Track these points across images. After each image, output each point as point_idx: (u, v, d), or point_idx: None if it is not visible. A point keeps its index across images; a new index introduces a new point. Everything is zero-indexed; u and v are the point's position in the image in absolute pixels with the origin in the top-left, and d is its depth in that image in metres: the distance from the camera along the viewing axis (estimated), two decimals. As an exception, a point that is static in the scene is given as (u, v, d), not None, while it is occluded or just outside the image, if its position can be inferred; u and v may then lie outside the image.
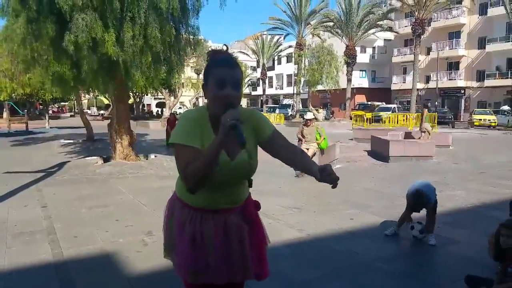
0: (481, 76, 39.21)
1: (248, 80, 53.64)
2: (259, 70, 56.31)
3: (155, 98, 57.19)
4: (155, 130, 25.36)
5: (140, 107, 49.29)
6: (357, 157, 11.96)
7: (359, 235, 4.82)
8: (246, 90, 51.73)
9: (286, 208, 5.89)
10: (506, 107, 32.36)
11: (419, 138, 14.27)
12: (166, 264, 3.78)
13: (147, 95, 44.15)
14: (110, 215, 5.66)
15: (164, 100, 46.72)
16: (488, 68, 38.34)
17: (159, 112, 52.24)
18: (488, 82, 37.98)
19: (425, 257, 4.28)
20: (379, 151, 11.97)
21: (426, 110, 15.38)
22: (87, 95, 36.10)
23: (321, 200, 6.60)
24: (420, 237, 4.52)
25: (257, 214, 1.98)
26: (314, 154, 8.81)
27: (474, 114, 31.29)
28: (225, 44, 1.93)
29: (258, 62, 56.12)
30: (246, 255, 1.85)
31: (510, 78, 32.51)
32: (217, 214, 1.82)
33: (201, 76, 22.59)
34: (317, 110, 37.08)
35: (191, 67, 42.98)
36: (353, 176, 9.01)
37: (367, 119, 23.78)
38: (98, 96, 38.33)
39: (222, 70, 1.72)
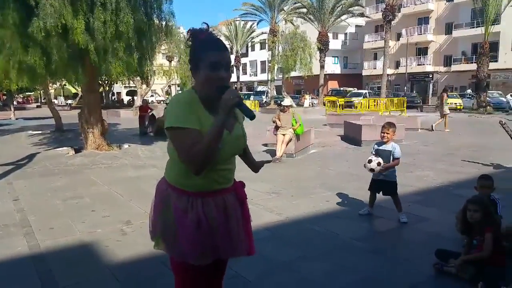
0: (448, 61, 40.33)
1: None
2: (232, 56, 55.90)
3: (125, 87, 55.95)
4: (127, 119, 24.88)
5: (110, 95, 48.16)
6: (331, 142, 12.17)
7: (335, 216, 4.97)
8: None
9: (265, 193, 5.98)
10: (469, 91, 33.49)
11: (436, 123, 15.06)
12: (147, 252, 3.83)
13: (116, 83, 43.14)
14: (86, 206, 5.58)
15: (135, 89, 45.81)
16: (454, 53, 39.45)
17: (130, 101, 51.18)
18: (454, 67, 39.13)
19: (398, 234, 4.47)
20: (352, 135, 12.21)
21: (446, 94, 15.80)
22: (53, 85, 34.94)
23: (298, 184, 6.72)
24: (377, 170, 4.53)
25: (246, 194, 2.04)
26: (290, 140, 8.91)
27: (441, 98, 32.19)
28: (205, 23, 1.91)
29: (231, 48, 55.66)
30: (241, 233, 1.94)
31: (474, 62, 33.51)
32: (216, 196, 1.87)
33: (174, 63, 22.34)
34: (303, 96, 37.23)
35: (163, 53, 42.20)
36: (328, 160, 9.19)
37: (339, 104, 24.09)
38: (65, 85, 37.15)
39: (214, 53, 1.77)
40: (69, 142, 12.38)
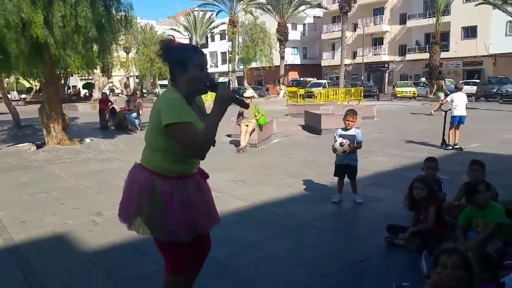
0: (403, 50, 41.94)
1: (182, 58, 52.34)
2: (192, 48, 55.17)
3: (81, 79, 54.17)
4: (85, 113, 24.23)
5: (66, 89, 46.50)
6: (292, 131, 12.59)
7: (297, 200, 5.34)
8: (179, 68, 50.37)
9: (231, 181, 6.26)
10: (422, 79, 35.07)
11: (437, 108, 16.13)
12: (121, 239, 4.05)
13: (72, 76, 41.72)
14: (55, 199, 5.65)
15: (92, 81, 44.49)
16: (409, 43, 41.07)
17: (87, 94, 49.61)
18: (409, 56, 40.80)
19: (354, 213, 4.90)
20: (312, 125, 12.68)
21: (443, 81, 17.43)
22: (6, 79, 33.35)
23: (262, 172, 7.05)
24: (348, 150, 4.87)
25: (207, 173, 2.40)
26: (253, 130, 9.21)
27: (396, 86, 33.58)
28: (171, 35, 2.25)
29: (190, 39, 55.07)
30: (212, 204, 2.31)
31: (428, 52, 35.05)
32: (192, 178, 2.19)
33: (132, 55, 22.00)
34: (279, 86, 36.51)
35: (120, 45, 41.11)
36: (290, 149, 9.58)
37: (300, 95, 24.62)
38: (19, 79, 35.57)
39: (200, 57, 2.13)
40: (29, 137, 12.10)
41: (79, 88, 53.69)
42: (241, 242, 3.97)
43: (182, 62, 2.08)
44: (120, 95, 41.11)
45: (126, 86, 50.76)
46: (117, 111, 15.24)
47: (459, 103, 8.84)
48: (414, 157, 7.94)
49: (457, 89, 9.42)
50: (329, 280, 3.17)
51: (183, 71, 2.07)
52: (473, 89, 28.93)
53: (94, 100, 29.47)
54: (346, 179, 5.18)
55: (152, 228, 2.15)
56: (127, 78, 47.77)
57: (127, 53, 44.72)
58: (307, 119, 13.71)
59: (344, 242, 3.99)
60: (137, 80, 54.83)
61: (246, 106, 2.22)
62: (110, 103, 15.79)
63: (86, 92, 51.86)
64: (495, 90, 26.82)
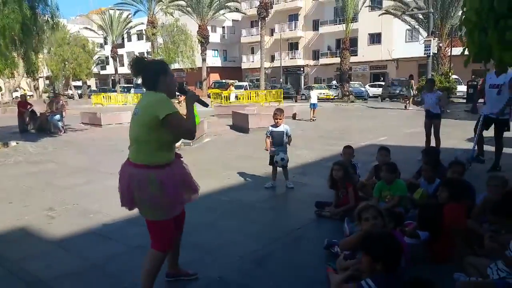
0: (316, 55, 44.75)
1: (97, 59, 50.12)
2: (107, 47, 53.28)
3: (-18, 81, 49.52)
4: (-5, 117, 22.62)
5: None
6: (221, 131, 13.29)
7: (238, 188, 6.09)
8: (94, 69, 48.18)
9: (174, 175, 6.79)
10: (334, 82, 37.85)
11: (407, 103, 20.38)
12: (82, 228, 4.55)
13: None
14: (0, 199, 5.75)
15: (-3, 83, 41.12)
16: (321, 48, 43.95)
17: (-9, 97, 45.47)
18: (322, 61, 43.67)
19: (288, 196, 5.78)
20: (240, 124, 13.48)
21: (413, 81, 21.44)
22: None
23: (201, 167, 7.64)
24: (285, 162, 5.82)
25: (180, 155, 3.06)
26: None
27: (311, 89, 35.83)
28: (138, 54, 3.12)
29: (105, 38, 53.06)
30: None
31: (338, 56, 37.80)
32: (175, 162, 2.83)
33: (41, 55, 21.22)
34: (229, 87, 34.46)
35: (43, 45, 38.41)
36: (223, 146, 10.30)
37: (224, 96, 25.38)
38: None
39: (169, 68, 2.90)
40: None
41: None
42: (196, 223, 4.57)
43: (160, 73, 2.74)
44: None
45: (36, 88, 47.47)
46: (39, 113, 14.71)
47: (312, 97, 16.16)
48: (331, 150, 9.04)
49: (311, 88, 17.27)
50: (276, 243, 3.96)
51: (165, 78, 2.75)
52: (379, 90, 32.00)
53: (5, 103, 27.36)
54: (278, 168, 6.02)
55: (152, 212, 2.73)
56: (36, 79, 44.72)
57: (36, 53, 41.89)
58: (235, 119, 14.48)
59: (282, 217, 4.84)
60: (47, 82, 51.47)
61: (207, 105, 3.15)
62: (29, 106, 15.14)
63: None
64: (397, 92, 29.94)
